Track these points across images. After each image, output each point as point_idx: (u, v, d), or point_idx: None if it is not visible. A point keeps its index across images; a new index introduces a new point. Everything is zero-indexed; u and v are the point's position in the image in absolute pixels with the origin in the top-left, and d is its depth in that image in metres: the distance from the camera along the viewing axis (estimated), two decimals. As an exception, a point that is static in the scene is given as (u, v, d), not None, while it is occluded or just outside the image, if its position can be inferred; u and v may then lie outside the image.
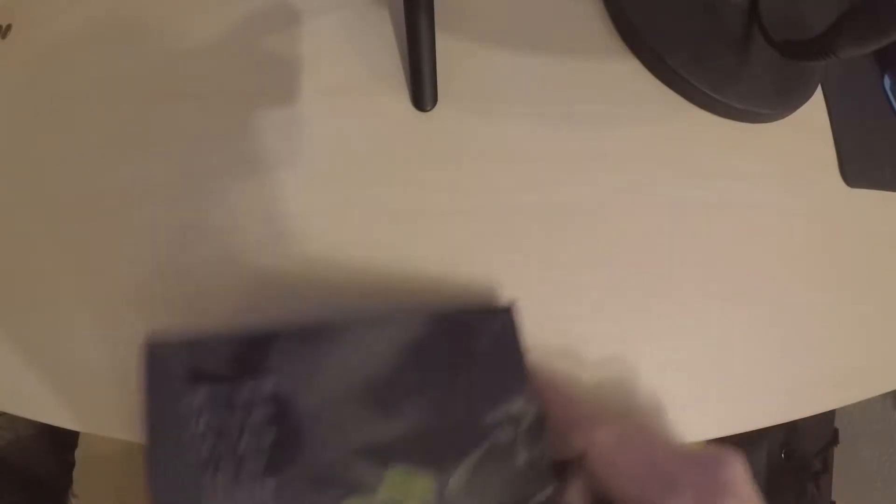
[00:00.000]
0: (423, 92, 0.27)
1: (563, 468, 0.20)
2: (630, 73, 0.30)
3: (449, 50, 0.29)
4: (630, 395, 0.27)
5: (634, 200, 0.28)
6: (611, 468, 0.19)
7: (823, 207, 0.31)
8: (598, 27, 0.31)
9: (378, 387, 0.20)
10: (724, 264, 0.29)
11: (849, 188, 0.31)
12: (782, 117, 0.31)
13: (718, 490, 0.18)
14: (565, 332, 0.27)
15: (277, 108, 0.29)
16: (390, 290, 0.27)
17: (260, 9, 0.31)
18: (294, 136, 0.29)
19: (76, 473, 0.48)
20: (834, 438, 0.84)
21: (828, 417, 0.84)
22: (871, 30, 0.24)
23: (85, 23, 0.31)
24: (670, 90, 0.30)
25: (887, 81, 0.35)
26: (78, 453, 0.48)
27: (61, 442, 0.62)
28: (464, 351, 0.20)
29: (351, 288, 0.27)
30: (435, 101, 0.29)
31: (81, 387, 0.27)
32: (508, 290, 0.27)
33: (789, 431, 0.83)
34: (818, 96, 0.32)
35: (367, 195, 0.28)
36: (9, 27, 0.32)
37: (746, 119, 0.30)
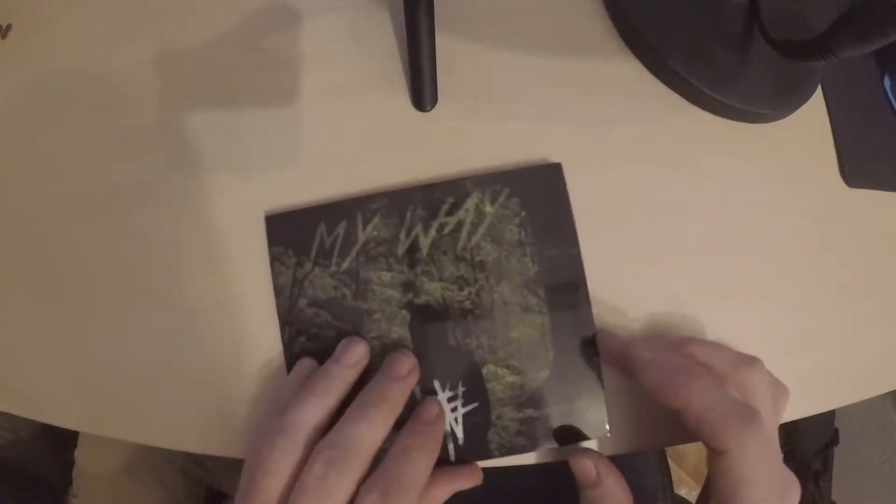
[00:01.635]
0: (423, 92, 0.28)
1: None
2: (630, 73, 0.30)
3: (449, 50, 0.29)
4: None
5: (634, 200, 0.28)
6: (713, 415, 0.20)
7: (823, 207, 0.31)
8: (598, 27, 0.31)
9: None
10: (724, 264, 0.29)
11: (849, 188, 0.31)
12: (782, 117, 0.31)
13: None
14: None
15: (277, 107, 0.29)
16: (390, 290, 0.27)
17: (260, 9, 0.31)
18: (294, 136, 0.29)
19: (76, 473, 0.48)
20: (834, 438, 0.84)
21: (828, 417, 0.84)
22: (871, 30, 0.23)
23: (85, 23, 0.31)
24: (670, 90, 0.30)
25: (887, 81, 0.35)
26: (77, 453, 0.48)
27: (61, 442, 0.62)
28: (531, 200, 0.27)
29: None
30: (435, 101, 0.29)
31: (82, 387, 0.27)
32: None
33: (789, 431, 0.83)
34: (818, 96, 0.32)
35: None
36: (9, 27, 0.32)
37: (746, 119, 0.30)
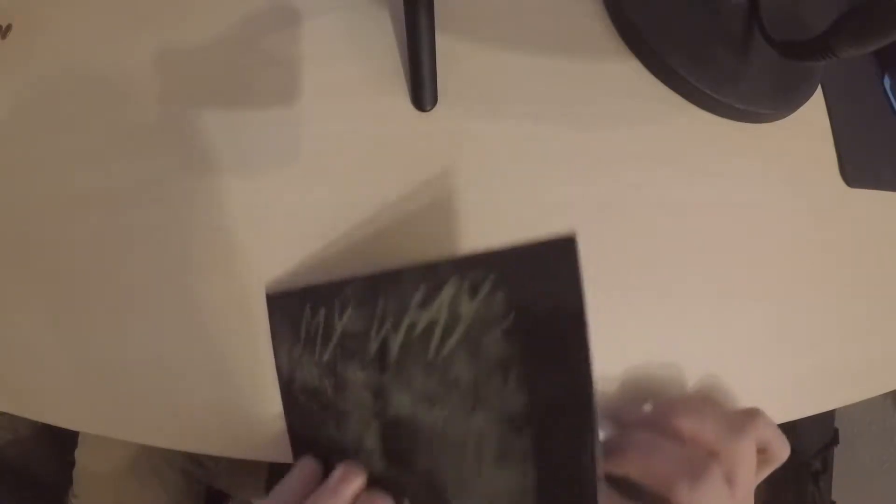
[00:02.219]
0: (423, 92, 0.27)
1: None
2: (630, 73, 0.30)
3: (449, 50, 0.29)
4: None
5: (634, 200, 0.28)
6: None
7: (823, 207, 0.31)
8: (598, 27, 0.31)
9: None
10: (724, 264, 0.29)
11: (849, 188, 0.31)
12: (782, 117, 0.31)
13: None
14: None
15: (277, 107, 0.29)
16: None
17: (260, 9, 0.31)
18: (294, 136, 0.29)
19: (76, 473, 0.48)
20: (834, 438, 0.84)
21: (828, 417, 0.84)
22: (871, 30, 0.23)
23: (85, 23, 0.31)
24: (670, 90, 0.30)
25: (887, 81, 0.35)
26: (78, 453, 0.48)
27: (61, 442, 0.62)
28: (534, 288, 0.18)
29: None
30: (435, 101, 0.28)
31: (82, 387, 0.27)
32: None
33: (789, 431, 0.83)
34: (818, 96, 0.32)
35: (366, 194, 0.28)
36: (9, 27, 0.32)
37: (746, 119, 0.30)
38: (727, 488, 0.21)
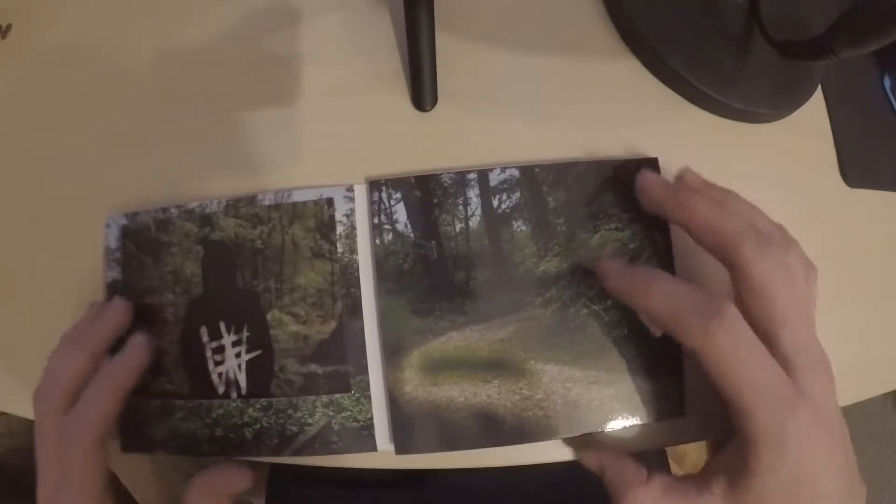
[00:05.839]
0: (423, 92, 0.27)
1: None
2: (630, 73, 0.30)
3: (449, 50, 0.29)
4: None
5: (635, 200, 0.28)
6: None
7: (823, 207, 0.31)
8: (598, 27, 0.31)
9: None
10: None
11: (849, 188, 0.31)
12: (782, 117, 0.31)
13: None
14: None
15: (277, 108, 0.29)
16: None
17: (260, 9, 0.31)
18: (294, 137, 0.29)
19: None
20: (834, 439, 0.84)
21: (828, 417, 0.84)
22: (871, 30, 0.24)
23: (84, 23, 0.31)
24: (670, 90, 0.30)
25: (887, 81, 0.35)
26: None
27: (61, 443, 0.61)
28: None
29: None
30: (435, 101, 0.28)
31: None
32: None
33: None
34: (818, 96, 0.32)
35: (367, 195, 0.28)
36: (9, 27, 0.32)
37: (746, 119, 0.30)
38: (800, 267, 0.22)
